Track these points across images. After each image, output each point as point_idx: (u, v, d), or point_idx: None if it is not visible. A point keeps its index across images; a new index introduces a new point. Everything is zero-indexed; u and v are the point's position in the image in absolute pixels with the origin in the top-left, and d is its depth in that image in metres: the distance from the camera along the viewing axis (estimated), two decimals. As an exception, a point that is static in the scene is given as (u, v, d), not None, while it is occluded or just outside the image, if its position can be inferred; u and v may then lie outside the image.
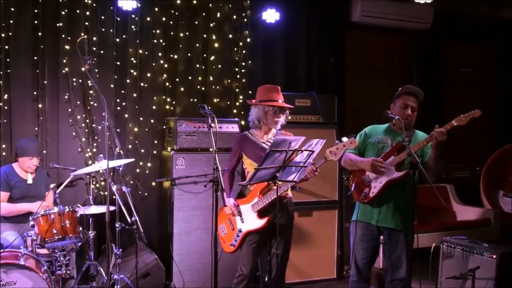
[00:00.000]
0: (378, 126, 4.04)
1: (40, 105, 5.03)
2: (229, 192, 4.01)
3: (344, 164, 4.04)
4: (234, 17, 5.78)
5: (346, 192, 5.50)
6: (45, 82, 5.04)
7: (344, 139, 3.81)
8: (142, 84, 5.41)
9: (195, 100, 5.60)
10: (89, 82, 5.11)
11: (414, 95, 3.86)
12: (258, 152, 3.86)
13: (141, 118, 5.41)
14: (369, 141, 3.95)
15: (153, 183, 5.41)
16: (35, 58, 5.01)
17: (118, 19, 5.26)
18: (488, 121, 7.67)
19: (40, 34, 5.00)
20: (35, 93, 5.03)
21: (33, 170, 4.57)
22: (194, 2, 5.60)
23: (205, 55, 5.69)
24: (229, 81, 5.80)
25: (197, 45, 5.64)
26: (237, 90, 5.81)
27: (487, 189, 7.21)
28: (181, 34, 5.56)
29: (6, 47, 4.90)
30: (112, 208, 4.09)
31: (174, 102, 5.56)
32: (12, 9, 4.90)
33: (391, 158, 3.76)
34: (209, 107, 3.87)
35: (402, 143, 3.71)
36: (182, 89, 5.58)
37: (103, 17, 5.22)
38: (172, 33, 5.53)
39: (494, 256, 4.12)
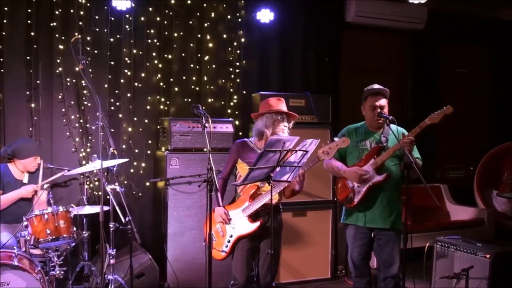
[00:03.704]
0: (354, 126, 4.07)
1: (33, 105, 5.01)
2: (220, 201, 3.87)
3: (326, 169, 4.07)
4: (229, 17, 5.77)
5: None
6: (39, 82, 5.02)
7: (336, 138, 3.82)
8: (136, 84, 5.40)
9: (189, 100, 5.58)
10: (83, 82, 5.09)
11: (379, 94, 3.86)
12: (255, 156, 3.83)
13: (135, 118, 5.40)
14: (349, 144, 3.91)
15: (147, 183, 5.39)
16: (29, 57, 4.99)
17: (112, 18, 5.25)
18: (482, 121, 7.70)
19: (33, 33, 4.98)
20: (28, 92, 5.00)
21: (36, 168, 4.55)
22: (189, 2, 5.59)
23: (199, 55, 5.68)
24: (223, 81, 5.79)
25: (192, 45, 5.64)
26: (231, 90, 5.80)
27: (481, 189, 7.23)
28: (176, 34, 5.55)
29: (0, 46, 4.88)
30: (106, 208, 4.07)
31: (168, 102, 5.55)
32: (6, 8, 4.88)
33: (371, 161, 3.80)
34: (203, 107, 3.89)
35: (380, 145, 3.81)
36: (176, 89, 5.57)
37: (97, 17, 5.20)
38: (166, 33, 5.51)
39: (488, 256, 4.14)
